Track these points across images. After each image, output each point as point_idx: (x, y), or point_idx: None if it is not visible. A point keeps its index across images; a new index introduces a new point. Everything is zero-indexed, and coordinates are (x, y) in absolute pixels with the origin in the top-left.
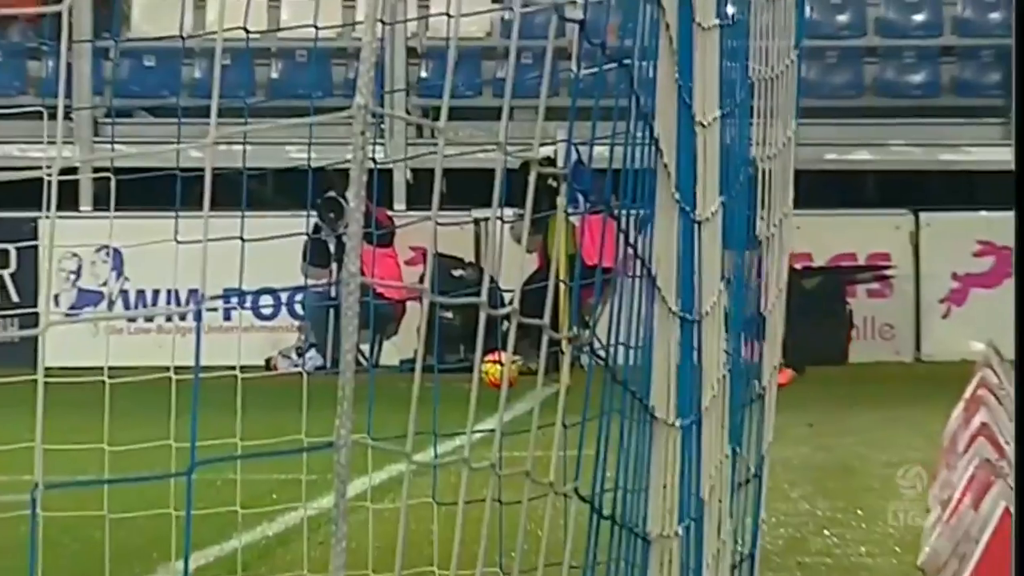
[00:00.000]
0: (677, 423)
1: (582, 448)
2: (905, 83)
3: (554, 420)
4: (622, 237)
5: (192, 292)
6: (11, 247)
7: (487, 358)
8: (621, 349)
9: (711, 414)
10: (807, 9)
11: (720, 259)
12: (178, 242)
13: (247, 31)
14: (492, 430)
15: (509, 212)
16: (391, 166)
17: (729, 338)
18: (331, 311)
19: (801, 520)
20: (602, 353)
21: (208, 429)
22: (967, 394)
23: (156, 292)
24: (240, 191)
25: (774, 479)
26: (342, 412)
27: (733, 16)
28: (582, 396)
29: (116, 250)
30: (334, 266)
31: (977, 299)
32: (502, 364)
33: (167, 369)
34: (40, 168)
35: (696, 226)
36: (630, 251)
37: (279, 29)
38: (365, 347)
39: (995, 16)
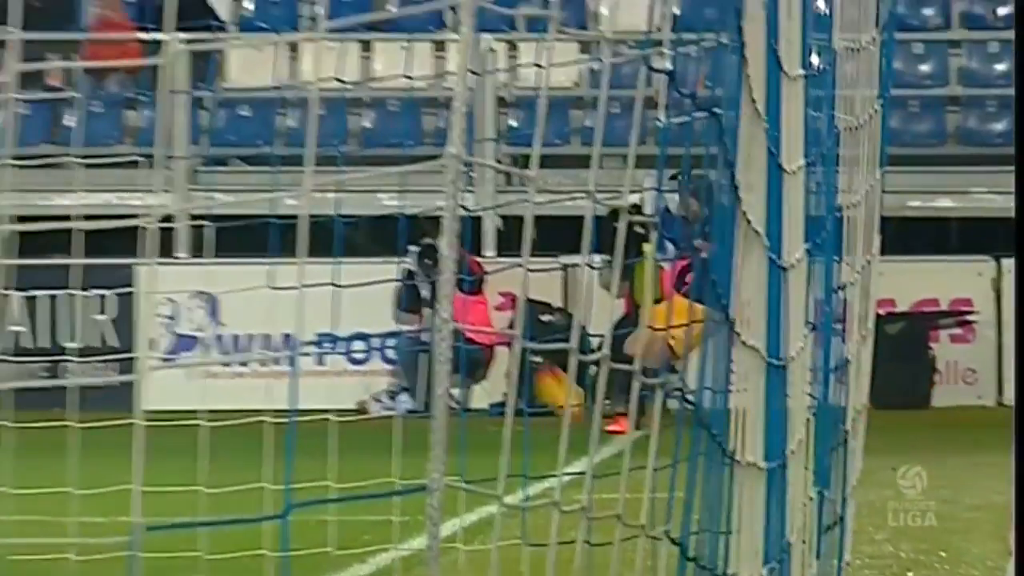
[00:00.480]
0: (764, 466)
1: (673, 491)
2: (987, 131)
3: (642, 464)
4: (709, 283)
5: (286, 337)
6: (109, 293)
7: (544, 373)
8: (708, 394)
9: (797, 457)
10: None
11: (806, 304)
12: (272, 288)
13: (341, 81)
14: (581, 473)
15: (597, 258)
16: (481, 213)
17: (815, 382)
18: (423, 356)
19: (885, 563)
20: (690, 398)
21: (301, 471)
22: None
23: (251, 337)
24: (333, 238)
25: (859, 522)
26: (435, 455)
27: (819, 67)
28: (668, 439)
29: (212, 296)
30: (426, 312)
31: None
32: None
33: (261, 412)
34: (138, 216)
35: (782, 272)
36: (717, 297)
37: (372, 80)
38: (456, 391)
39: None
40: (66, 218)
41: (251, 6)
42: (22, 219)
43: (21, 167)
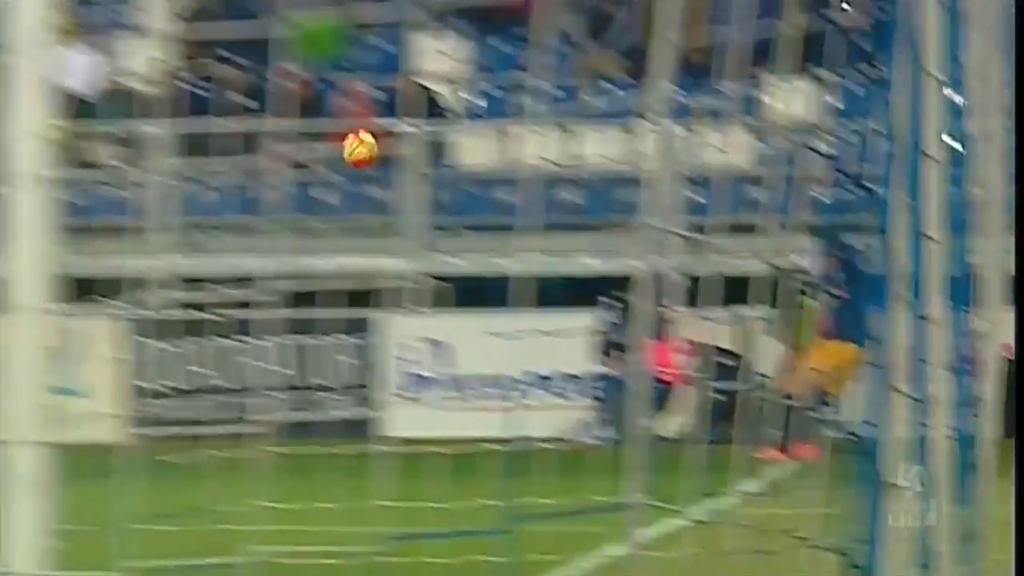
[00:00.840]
0: (911, 487)
1: (830, 507)
2: None
3: (803, 485)
4: (862, 330)
5: (507, 377)
6: (356, 340)
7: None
8: (863, 424)
9: (939, 480)
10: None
11: (945, 349)
12: (494, 335)
13: (548, 161)
14: (755, 493)
15: (766, 310)
16: (667, 272)
17: (954, 416)
18: (621, 392)
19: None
20: (847, 428)
21: (518, 490)
22: None
23: (475, 376)
24: (544, 292)
25: (989, 533)
26: (632, 477)
27: (954, 148)
28: (828, 464)
29: (443, 342)
30: (622, 355)
31: None
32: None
33: (485, 441)
34: (385, 276)
35: (924, 322)
36: (871, 344)
37: (574, 158)
38: (648, 422)
39: None
40: (319, 278)
41: (480, 101)
42: (283, 279)
43: (282, 234)
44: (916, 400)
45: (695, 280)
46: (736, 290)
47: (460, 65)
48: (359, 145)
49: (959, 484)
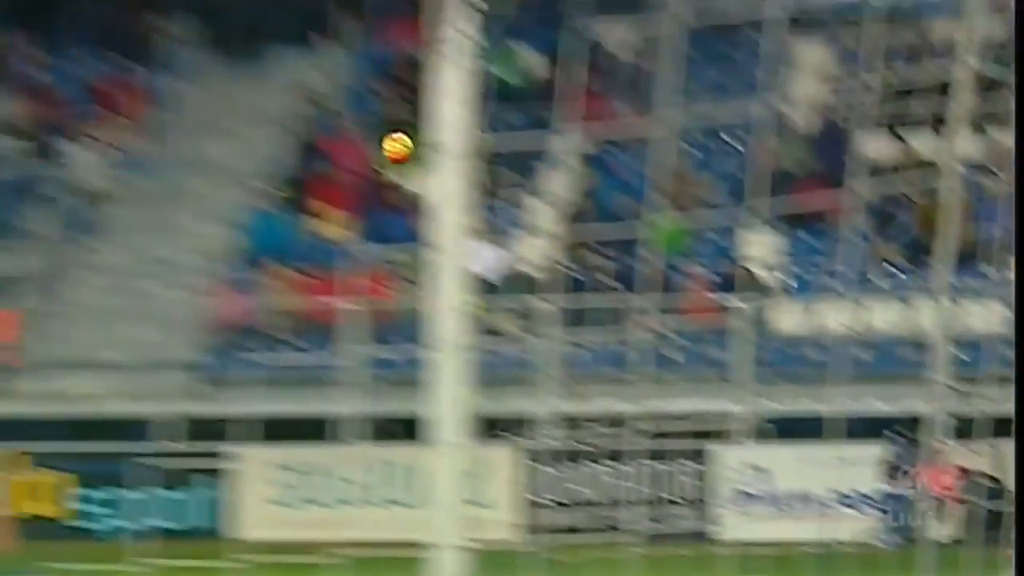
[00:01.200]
0: None
1: None
2: None
3: None
4: None
5: (815, 495)
6: (697, 466)
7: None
8: None
9: None
10: None
11: None
12: (805, 462)
13: (846, 326)
14: None
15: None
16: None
17: None
18: (907, 506)
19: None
20: None
21: None
22: None
23: (791, 494)
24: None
25: None
26: (921, 575)
27: None
28: None
29: (765, 468)
30: (907, 477)
31: None
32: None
33: (799, 544)
34: (720, 417)
35: None
36: None
37: (866, 325)
38: (930, 531)
39: None
40: (670, 418)
41: (793, 282)
42: (642, 419)
43: (642, 384)
44: None
45: (964, 420)
46: (997, 427)
47: (777, 254)
48: (398, 146)
49: None
